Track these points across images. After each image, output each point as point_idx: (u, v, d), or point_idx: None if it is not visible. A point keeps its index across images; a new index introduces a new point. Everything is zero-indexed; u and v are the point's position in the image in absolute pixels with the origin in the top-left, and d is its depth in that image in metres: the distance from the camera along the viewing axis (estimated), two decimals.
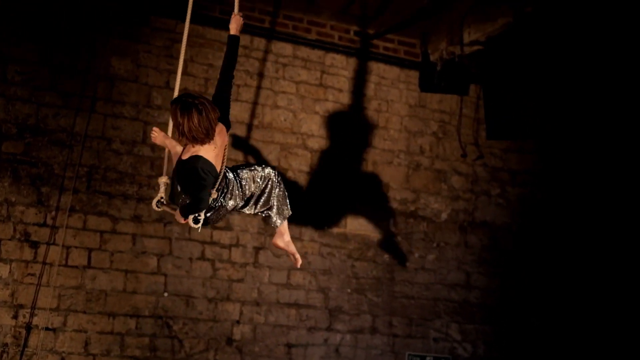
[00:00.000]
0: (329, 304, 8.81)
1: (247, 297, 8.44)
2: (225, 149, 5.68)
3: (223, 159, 5.65)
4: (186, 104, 5.35)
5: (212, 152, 5.50)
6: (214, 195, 5.59)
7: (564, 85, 9.86)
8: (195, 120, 5.30)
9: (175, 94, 5.97)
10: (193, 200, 5.51)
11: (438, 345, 9.21)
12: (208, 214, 5.72)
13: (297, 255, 6.17)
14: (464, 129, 9.68)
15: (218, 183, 5.59)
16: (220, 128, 5.60)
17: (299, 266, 6.23)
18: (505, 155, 9.90)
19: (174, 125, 5.49)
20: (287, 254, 6.30)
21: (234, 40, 5.91)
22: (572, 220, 9.93)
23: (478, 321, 9.42)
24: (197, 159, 5.45)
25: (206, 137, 5.40)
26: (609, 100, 9.97)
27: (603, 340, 9.70)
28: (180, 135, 5.43)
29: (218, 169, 5.60)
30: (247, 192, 5.87)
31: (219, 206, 5.73)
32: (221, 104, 5.66)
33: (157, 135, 5.95)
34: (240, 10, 6.04)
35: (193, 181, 5.48)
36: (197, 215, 5.56)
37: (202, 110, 5.31)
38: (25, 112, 7.78)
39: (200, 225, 5.64)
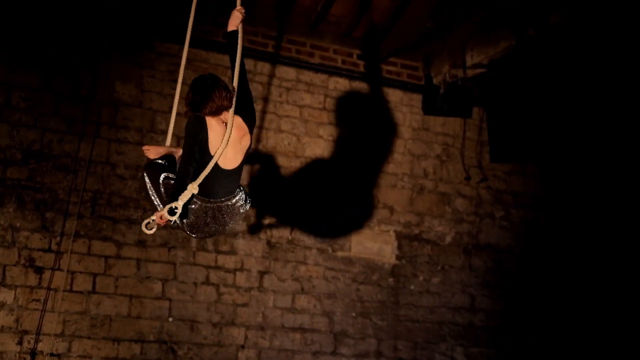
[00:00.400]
0: (334, 328, 8.79)
1: (251, 322, 8.42)
2: (246, 149, 5.60)
3: (230, 159, 5.49)
4: (195, 80, 5.50)
5: (220, 132, 5.39)
6: (194, 189, 5.25)
7: (567, 107, 9.90)
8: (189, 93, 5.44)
9: (173, 116, 5.97)
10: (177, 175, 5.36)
11: None
12: (191, 206, 5.38)
13: None
14: (468, 151, 9.70)
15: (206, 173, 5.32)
16: (238, 120, 5.51)
17: None
18: (508, 178, 9.90)
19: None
20: None
21: (232, 34, 5.70)
22: (575, 242, 9.93)
23: (483, 344, 9.39)
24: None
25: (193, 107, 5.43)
26: (613, 122, 10.00)
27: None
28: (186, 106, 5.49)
29: (231, 166, 5.49)
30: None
31: (203, 208, 5.43)
32: (240, 95, 5.57)
33: (149, 149, 5.83)
34: (242, 23, 5.75)
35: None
36: (174, 207, 5.18)
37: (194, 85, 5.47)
38: (30, 138, 7.79)
39: (175, 217, 5.19)
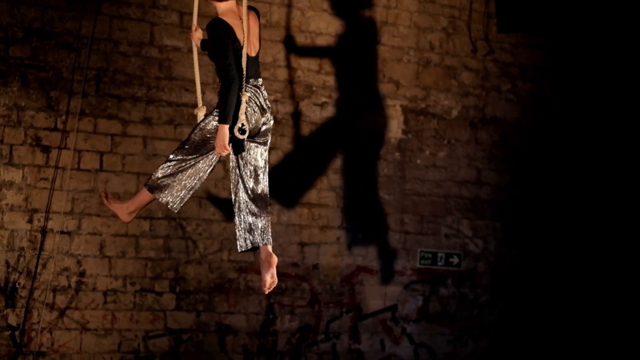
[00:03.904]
0: (341, 203, 8.84)
1: None
2: (259, 35, 5.79)
3: (252, 46, 5.66)
4: None
5: (240, 26, 5.54)
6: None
7: None
8: None
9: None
10: (221, 76, 5.46)
11: (449, 241, 9.28)
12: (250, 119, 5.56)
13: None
14: (474, 24, 9.53)
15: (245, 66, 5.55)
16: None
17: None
18: (515, 50, 9.78)
19: None
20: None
21: None
22: (582, 115, 9.87)
23: (489, 217, 9.47)
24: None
25: None
26: None
27: (611, 240, 9.77)
28: None
29: (254, 53, 5.67)
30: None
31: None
32: None
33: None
34: None
35: (214, 51, 5.56)
36: (241, 124, 5.41)
37: None
38: (31, 16, 7.68)
39: (246, 136, 5.46)
